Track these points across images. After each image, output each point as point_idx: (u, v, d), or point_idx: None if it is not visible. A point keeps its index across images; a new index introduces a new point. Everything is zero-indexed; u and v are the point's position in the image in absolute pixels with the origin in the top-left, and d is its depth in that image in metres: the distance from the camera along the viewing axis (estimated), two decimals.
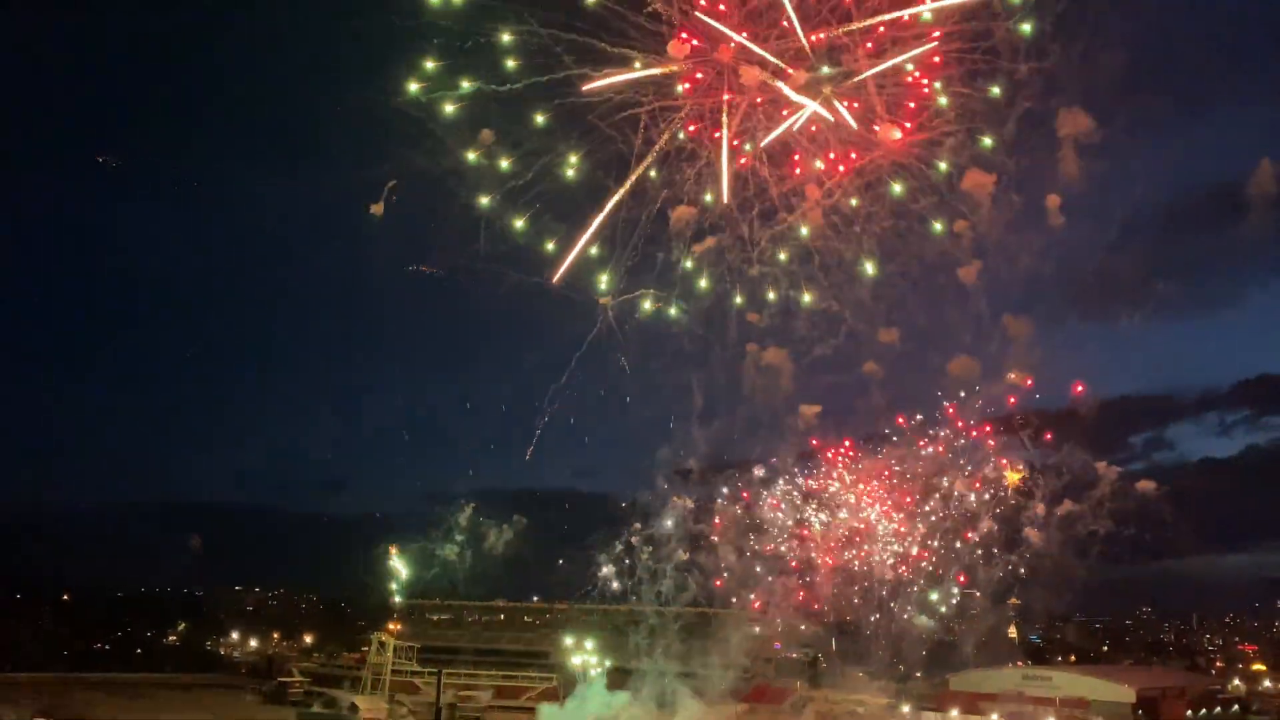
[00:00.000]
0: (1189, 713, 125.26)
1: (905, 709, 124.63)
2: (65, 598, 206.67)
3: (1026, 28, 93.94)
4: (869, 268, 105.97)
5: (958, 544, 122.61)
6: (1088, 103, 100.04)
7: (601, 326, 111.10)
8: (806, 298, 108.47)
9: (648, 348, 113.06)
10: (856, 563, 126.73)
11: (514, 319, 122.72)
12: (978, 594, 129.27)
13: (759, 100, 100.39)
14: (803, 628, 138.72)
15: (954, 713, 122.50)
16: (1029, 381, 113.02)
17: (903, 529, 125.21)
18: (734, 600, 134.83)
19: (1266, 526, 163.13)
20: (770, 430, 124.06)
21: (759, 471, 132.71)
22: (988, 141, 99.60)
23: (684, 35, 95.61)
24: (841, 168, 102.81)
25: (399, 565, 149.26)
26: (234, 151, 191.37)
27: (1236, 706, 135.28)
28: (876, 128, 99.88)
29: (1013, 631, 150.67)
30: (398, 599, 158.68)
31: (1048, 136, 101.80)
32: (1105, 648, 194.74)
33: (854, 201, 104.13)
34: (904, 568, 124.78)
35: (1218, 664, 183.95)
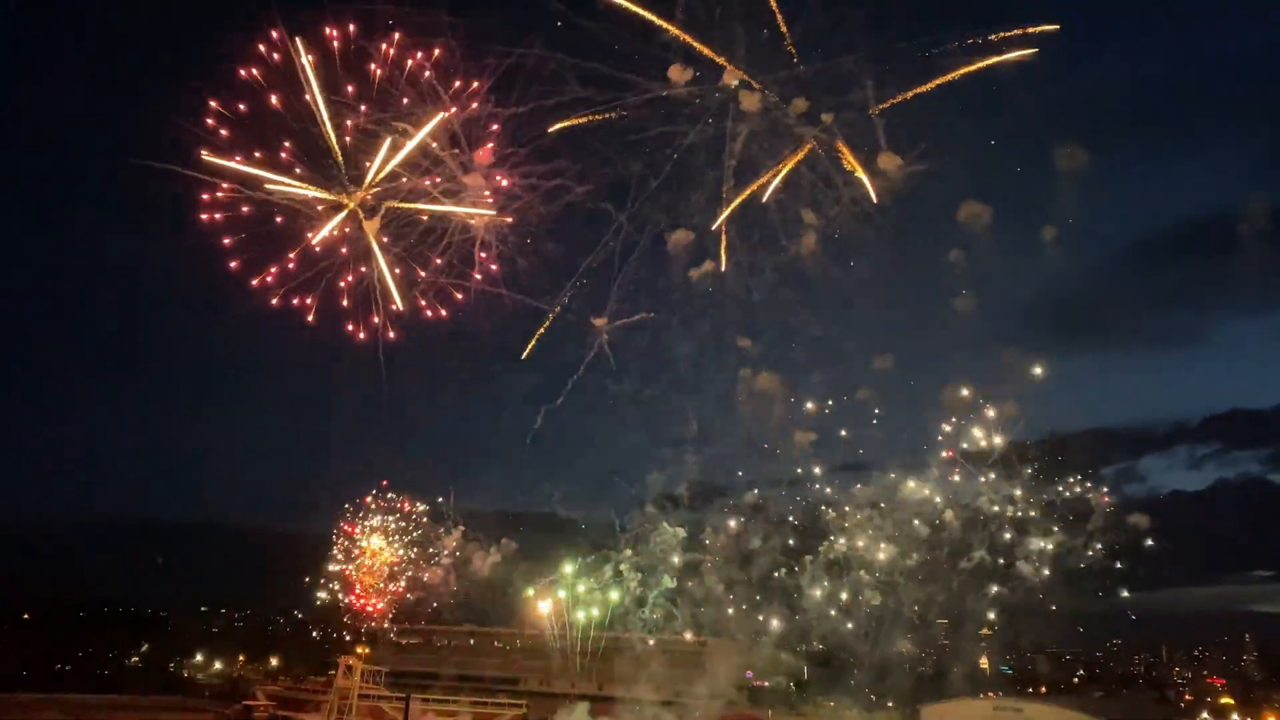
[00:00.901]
0: None
1: None
2: (26, 616, 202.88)
3: None
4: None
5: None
6: (1061, 138, 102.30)
7: (595, 350, 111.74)
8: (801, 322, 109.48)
9: (641, 372, 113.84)
10: (844, 593, 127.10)
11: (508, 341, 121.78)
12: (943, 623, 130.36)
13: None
14: (783, 656, 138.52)
15: None
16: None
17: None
18: (721, 630, 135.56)
19: (1235, 560, 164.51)
20: (762, 456, 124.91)
21: (751, 497, 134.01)
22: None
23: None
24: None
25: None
26: None
27: None
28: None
29: (984, 663, 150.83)
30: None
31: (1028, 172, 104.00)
32: (1076, 679, 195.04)
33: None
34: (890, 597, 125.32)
35: (1187, 697, 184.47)
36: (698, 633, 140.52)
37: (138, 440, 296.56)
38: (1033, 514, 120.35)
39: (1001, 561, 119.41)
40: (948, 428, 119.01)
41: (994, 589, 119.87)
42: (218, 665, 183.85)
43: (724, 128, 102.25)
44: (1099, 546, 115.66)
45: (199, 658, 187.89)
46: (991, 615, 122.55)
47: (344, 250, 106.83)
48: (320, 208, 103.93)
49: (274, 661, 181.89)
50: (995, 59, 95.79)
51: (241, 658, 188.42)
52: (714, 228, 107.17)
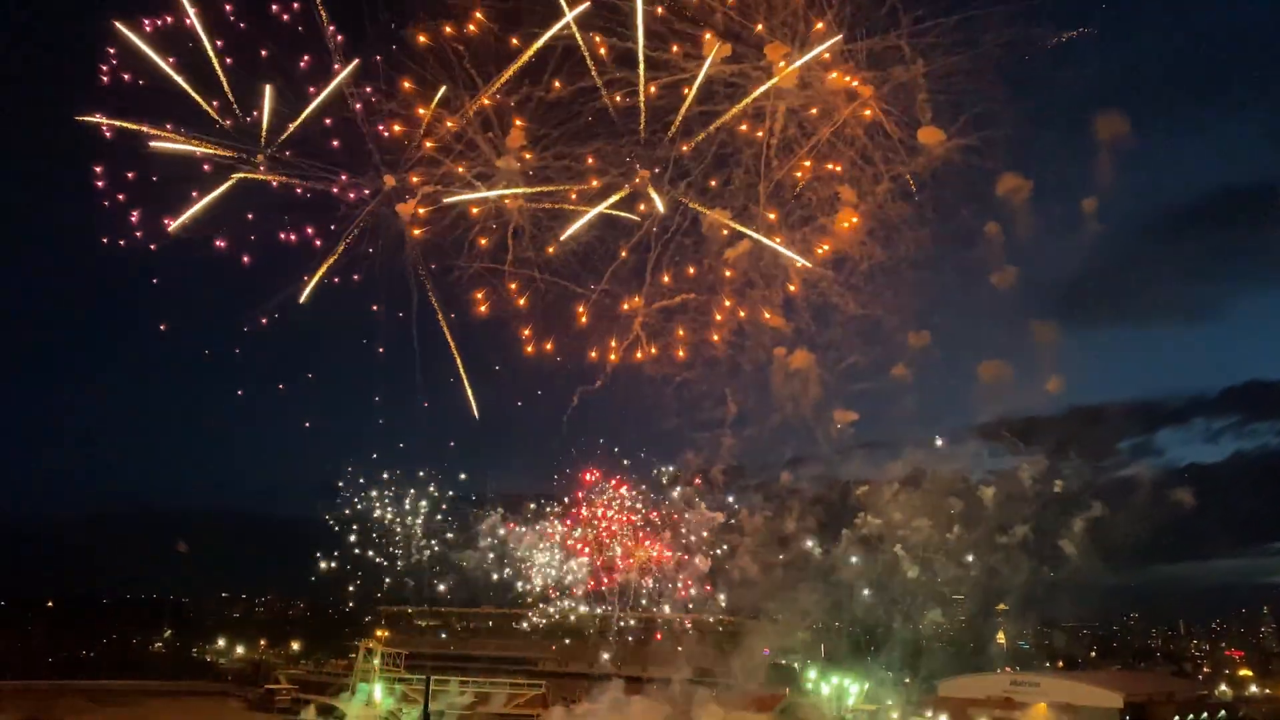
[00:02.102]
0: (1176, 719, 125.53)
1: (894, 714, 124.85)
2: (50, 605, 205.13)
3: None
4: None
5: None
6: (1083, 110, 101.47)
7: (632, 331, 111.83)
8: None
9: (673, 354, 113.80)
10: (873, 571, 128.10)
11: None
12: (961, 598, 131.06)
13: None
14: (799, 634, 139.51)
15: (942, 718, 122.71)
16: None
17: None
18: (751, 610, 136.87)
19: (1253, 532, 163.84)
20: (798, 436, 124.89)
21: (787, 477, 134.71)
22: None
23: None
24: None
25: None
26: None
27: (1223, 712, 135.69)
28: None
29: (1001, 638, 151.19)
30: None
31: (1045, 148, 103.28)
32: (1093, 654, 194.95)
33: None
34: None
35: (1205, 669, 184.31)
36: (731, 613, 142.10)
37: (155, 429, 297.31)
38: (1070, 489, 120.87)
39: (1042, 537, 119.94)
40: (979, 402, 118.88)
41: (1031, 565, 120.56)
42: (240, 650, 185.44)
43: (762, 105, 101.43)
44: (1141, 520, 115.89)
45: (221, 643, 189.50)
46: (1028, 592, 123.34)
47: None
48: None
49: (295, 645, 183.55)
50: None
51: (263, 642, 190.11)
52: (753, 207, 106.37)
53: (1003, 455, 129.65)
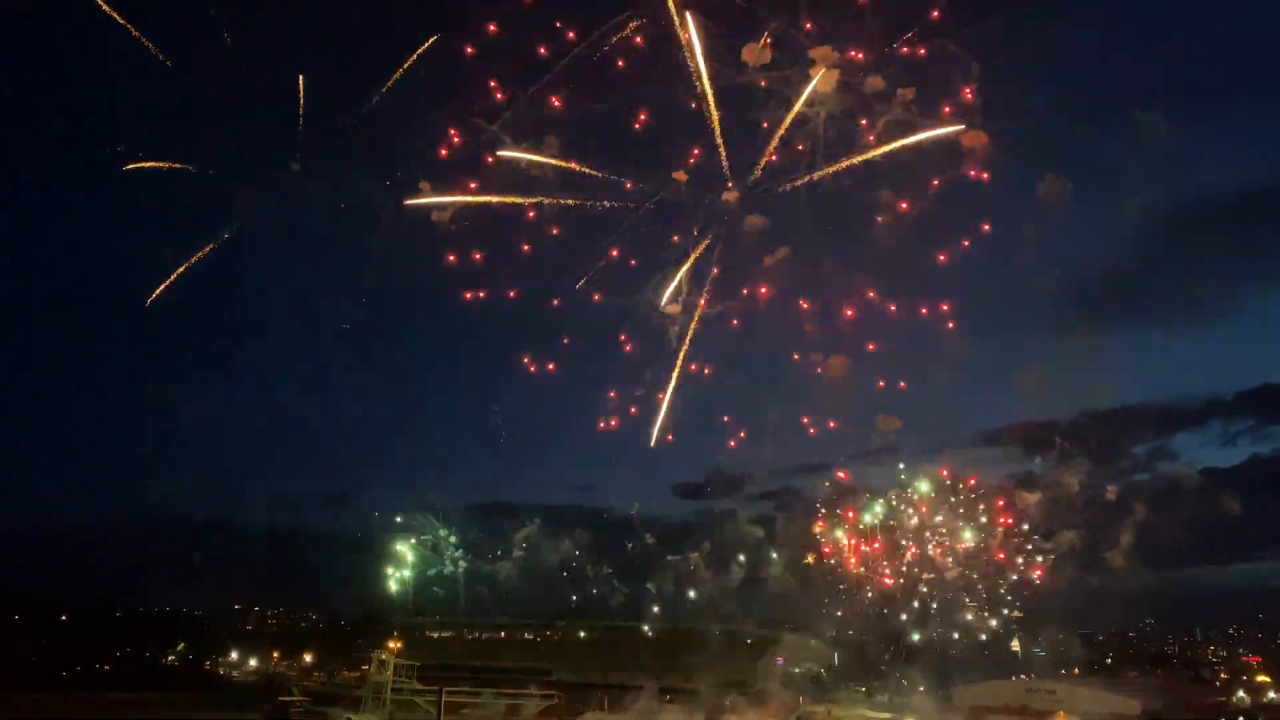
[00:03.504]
0: None
1: None
2: (64, 618, 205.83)
3: None
4: None
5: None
6: (1096, 108, 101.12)
7: (672, 335, 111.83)
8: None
9: (713, 360, 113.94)
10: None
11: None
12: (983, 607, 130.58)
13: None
14: (812, 643, 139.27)
15: None
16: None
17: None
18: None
19: (1270, 536, 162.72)
20: (848, 443, 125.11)
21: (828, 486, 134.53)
22: None
23: None
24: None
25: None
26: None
27: (1241, 718, 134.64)
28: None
29: (1016, 645, 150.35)
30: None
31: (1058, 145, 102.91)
32: (1109, 660, 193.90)
33: None
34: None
35: (1222, 676, 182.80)
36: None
37: (168, 442, 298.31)
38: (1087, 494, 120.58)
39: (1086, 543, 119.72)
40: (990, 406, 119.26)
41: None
42: (253, 662, 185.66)
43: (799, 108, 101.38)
44: (1158, 524, 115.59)
45: (234, 655, 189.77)
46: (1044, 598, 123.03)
47: None
48: None
49: (308, 657, 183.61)
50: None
51: (276, 654, 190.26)
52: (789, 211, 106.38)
53: (1015, 460, 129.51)
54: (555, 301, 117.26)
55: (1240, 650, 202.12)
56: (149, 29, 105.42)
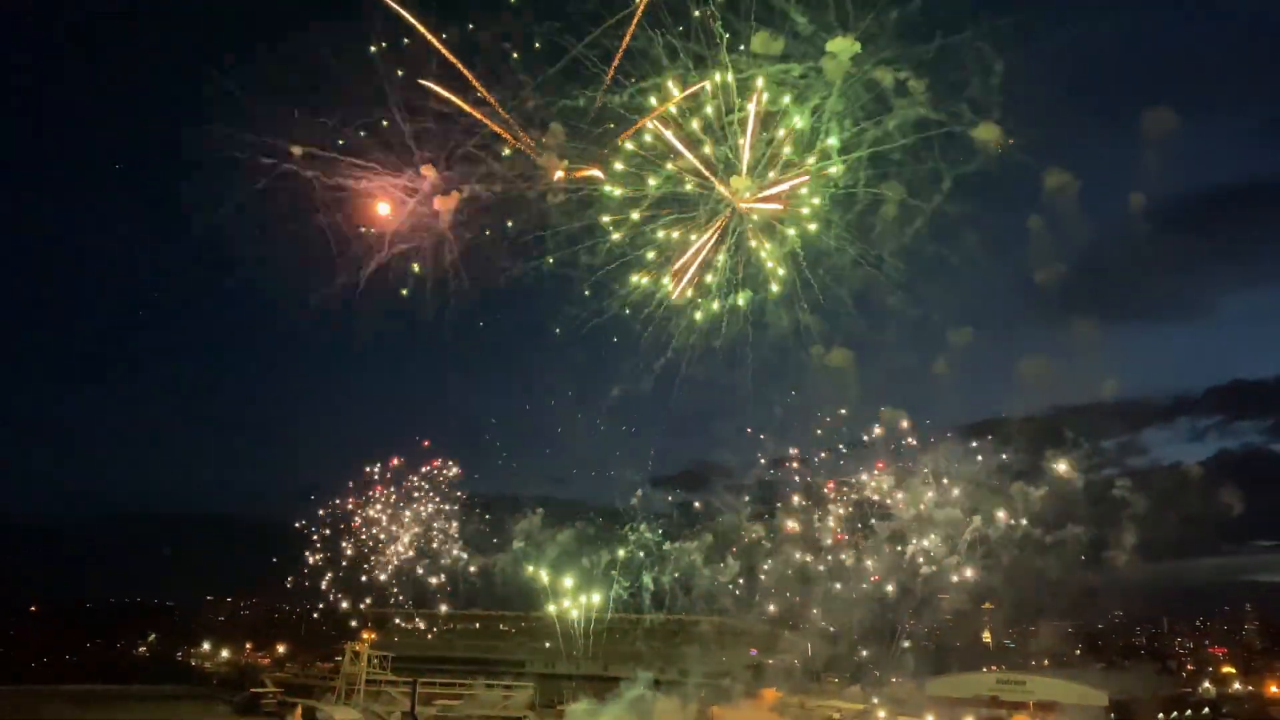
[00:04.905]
0: (1160, 716, 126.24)
1: (881, 714, 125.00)
2: (34, 609, 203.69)
3: None
4: None
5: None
6: (1061, 107, 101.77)
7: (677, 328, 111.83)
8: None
9: (717, 355, 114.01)
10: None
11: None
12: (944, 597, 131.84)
13: None
14: (785, 634, 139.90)
15: (929, 718, 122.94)
16: None
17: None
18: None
19: (1237, 531, 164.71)
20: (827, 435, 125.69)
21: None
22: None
23: None
24: None
25: None
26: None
27: (1207, 709, 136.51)
28: None
29: (987, 636, 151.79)
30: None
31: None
32: (1078, 652, 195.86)
33: None
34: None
35: (1189, 667, 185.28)
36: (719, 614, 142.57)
37: (139, 435, 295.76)
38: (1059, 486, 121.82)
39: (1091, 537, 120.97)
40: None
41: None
42: (225, 654, 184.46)
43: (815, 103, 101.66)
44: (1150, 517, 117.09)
45: (206, 646, 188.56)
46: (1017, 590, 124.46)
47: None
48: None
49: (281, 649, 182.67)
50: None
51: (249, 645, 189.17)
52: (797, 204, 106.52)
53: (985, 454, 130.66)
54: None
55: (1206, 642, 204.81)
56: None
